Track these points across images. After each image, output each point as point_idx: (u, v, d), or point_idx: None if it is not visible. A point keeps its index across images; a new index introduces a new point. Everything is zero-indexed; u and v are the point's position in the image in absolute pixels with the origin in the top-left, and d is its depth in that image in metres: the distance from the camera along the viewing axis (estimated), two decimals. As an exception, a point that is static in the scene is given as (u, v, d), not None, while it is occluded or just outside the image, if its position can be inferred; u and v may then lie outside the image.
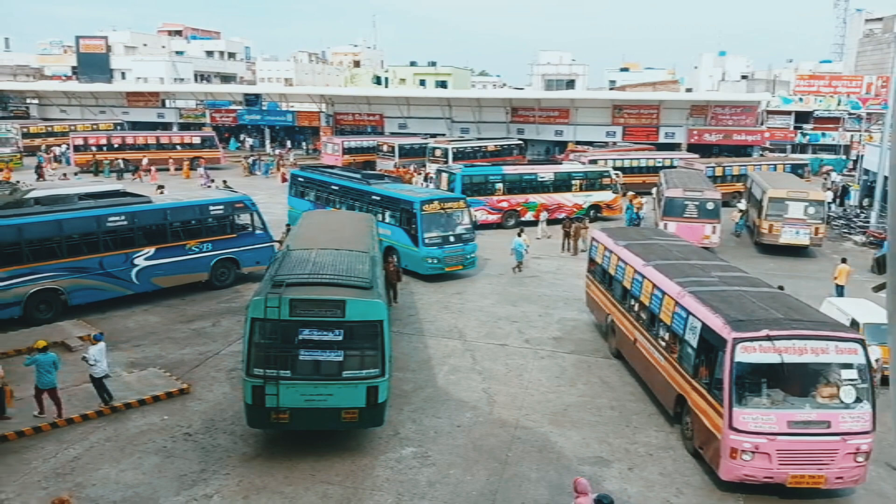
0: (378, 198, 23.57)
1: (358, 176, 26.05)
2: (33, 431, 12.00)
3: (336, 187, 25.95)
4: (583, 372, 15.52)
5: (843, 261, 21.75)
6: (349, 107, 61.27)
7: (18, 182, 28.45)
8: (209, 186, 37.23)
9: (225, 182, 37.73)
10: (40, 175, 40.68)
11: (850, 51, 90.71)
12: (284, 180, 40.06)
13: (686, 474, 11.45)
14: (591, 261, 18.33)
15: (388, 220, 22.92)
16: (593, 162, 38.47)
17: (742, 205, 33.19)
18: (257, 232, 21.60)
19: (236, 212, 21.30)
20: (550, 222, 29.70)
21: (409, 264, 21.99)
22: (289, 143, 62.63)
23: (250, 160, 49.65)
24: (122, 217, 18.85)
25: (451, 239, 22.10)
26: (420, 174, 41.48)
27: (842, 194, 40.05)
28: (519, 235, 24.00)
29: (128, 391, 13.51)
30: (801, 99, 58.71)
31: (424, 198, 22.12)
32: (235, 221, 21.33)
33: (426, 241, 21.55)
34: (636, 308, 14.78)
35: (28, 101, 68.91)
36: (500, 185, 31.01)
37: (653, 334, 13.75)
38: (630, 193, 33.24)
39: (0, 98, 66.93)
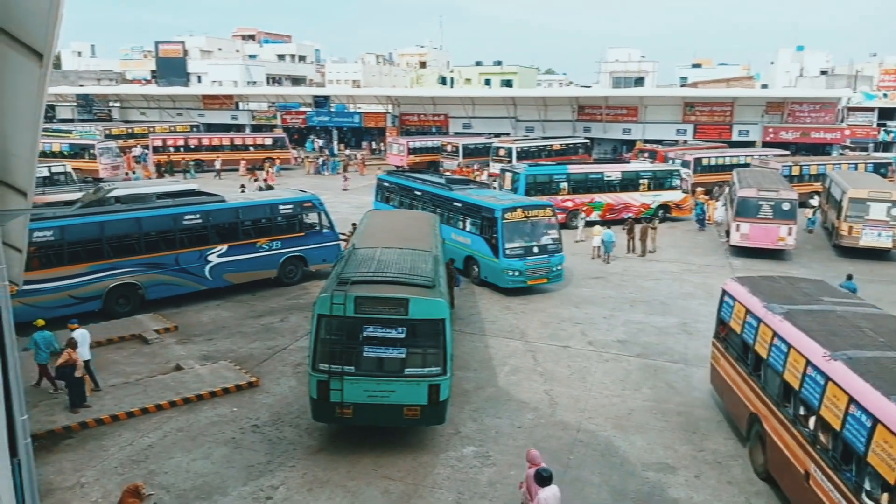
0: (459, 204, 22.50)
1: (441, 181, 25.12)
2: (111, 420, 12.58)
3: (419, 192, 25.00)
4: (648, 376, 15.18)
5: None
6: (415, 107, 61.78)
7: (102, 182, 29.92)
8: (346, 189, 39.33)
9: (265, 180, 38.73)
10: (160, 174, 44.86)
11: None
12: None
13: (755, 484, 11.06)
14: (722, 324, 13.25)
15: (468, 228, 21.91)
16: (698, 161, 39.02)
17: (815, 200, 32.52)
18: (324, 231, 22.04)
19: (305, 211, 21.79)
20: (615, 223, 29.17)
21: (489, 276, 20.98)
22: (373, 144, 63.48)
23: (320, 160, 50.85)
24: (197, 215, 19.55)
25: (535, 250, 20.65)
26: (483, 174, 41.53)
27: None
28: (608, 227, 26.11)
29: (200, 383, 13.99)
30: (885, 94, 55.91)
31: (507, 205, 20.70)
32: (304, 220, 21.82)
33: (507, 251, 20.24)
34: (812, 425, 9.39)
35: (111, 104, 72.28)
36: (564, 185, 30.65)
37: (849, 481, 8.29)
38: (699, 190, 32.83)
39: (86, 101, 70.41)
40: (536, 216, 21.01)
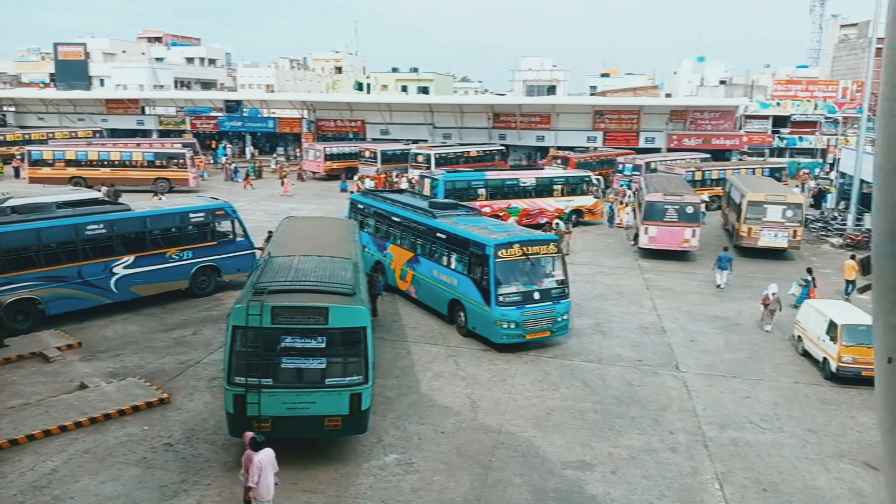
0: (443, 236, 18.73)
1: (424, 206, 20.90)
2: (9, 444, 11.79)
3: (397, 219, 21.18)
4: (566, 376, 15.56)
5: (852, 257, 22.17)
6: (331, 113, 61.11)
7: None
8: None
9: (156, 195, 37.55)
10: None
11: (826, 56, 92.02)
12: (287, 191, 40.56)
13: (669, 477, 11.52)
14: None
15: (454, 265, 18.16)
16: (648, 164, 40.88)
17: (705, 195, 35.53)
18: (238, 239, 21.45)
19: (217, 219, 21.13)
20: (532, 227, 29.77)
21: (478, 326, 17.16)
22: (288, 150, 61.65)
23: (232, 167, 49.51)
24: (101, 225, 18.64)
25: (536, 296, 16.83)
26: (402, 180, 41.60)
27: (818, 197, 40.65)
28: (560, 219, 29.21)
29: (107, 402, 13.32)
30: (778, 103, 59.43)
31: (501, 240, 16.85)
32: (216, 229, 21.17)
33: (500, 298, 16.47)
34: None
35: (5, 108, 68.03)
36: (482, 191, 31.08)
37: None
38: (609, 191, 34.85)
39: (-24, 106, 66.01)
40: (538, 253, 17.22)
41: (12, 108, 68.04)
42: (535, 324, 16.73)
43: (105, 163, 40.86)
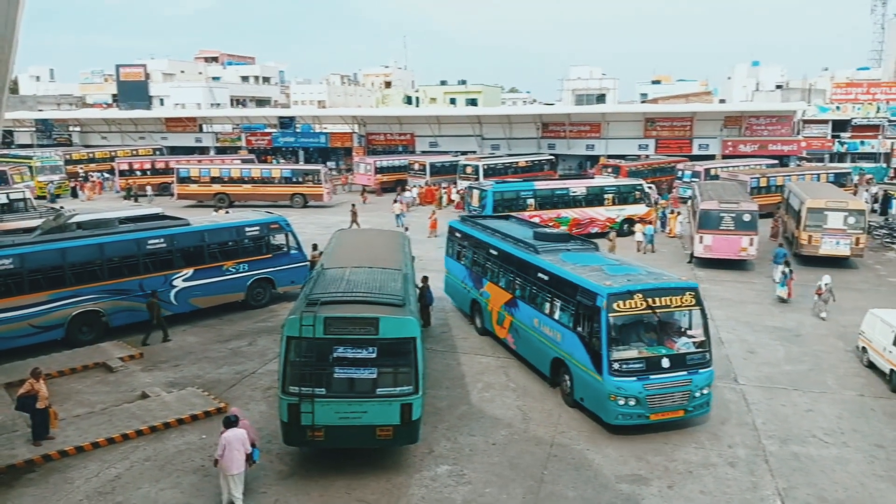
0: (546, 276, 15.08)
1: (526, 237, 17.32)
2: (76, 451, 12.24)
3: (494, 252, 17.87)
4: (619, 388, 15.26)
5: None
6: (381, 127, 61.96)
7: (62, 207, 29.33)
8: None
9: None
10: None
11: (889, 57, 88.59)
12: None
13: (727, 492, 11.19)
14: None
15: (557, 315, 14.49)
16: (707, 171, 41.41)
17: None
18: (292, 252, 21.87)
19: (272, 233, 21.60)
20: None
21: (587, 398, 13.48)
22: (348, 164, 62.20)
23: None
24: (161, 240, 19.25)
25: (665, 362, 12.93)
26: (452, 191, 41.79)
27: (883, 203, 39.16)
28: (644, 224, 30.27)
29: (167, 411, 13.71)
30: (838, 107, 57.63)
31: (617, 288, 13.00)
32: (271, 242, 21.63)
33: (615, 364, 12.71)
34: None
35: (71, 128, 71.06)
36: (531, 201, 30.98)
37: None
38: (661, 200, 34.43)
39: (45, 126, 69.15)
40: (669, 305, 13.22)
41: (78, 129, 71.07)
42: (662, 400, 12.85)
43: (246, 179, 42.65)
